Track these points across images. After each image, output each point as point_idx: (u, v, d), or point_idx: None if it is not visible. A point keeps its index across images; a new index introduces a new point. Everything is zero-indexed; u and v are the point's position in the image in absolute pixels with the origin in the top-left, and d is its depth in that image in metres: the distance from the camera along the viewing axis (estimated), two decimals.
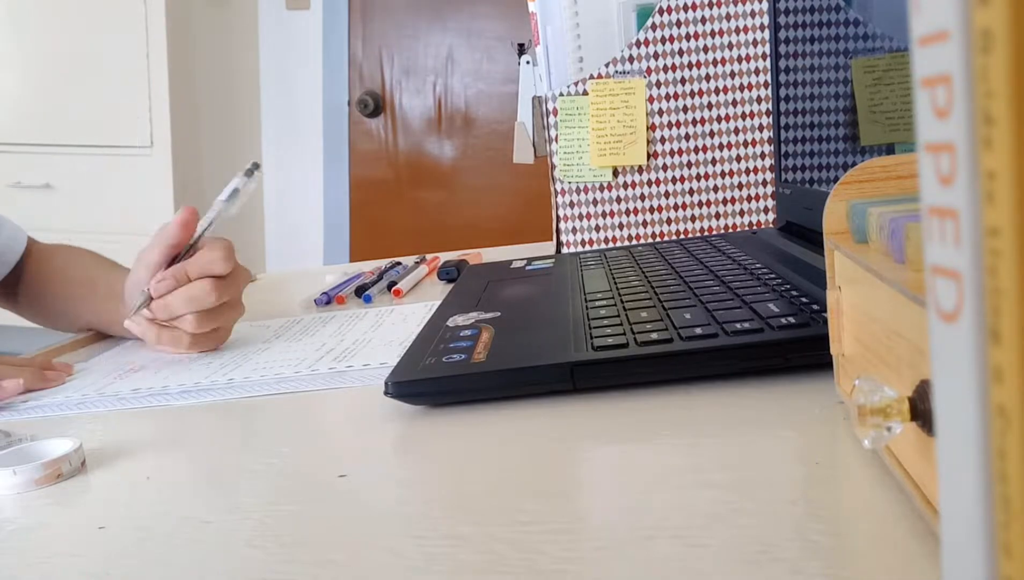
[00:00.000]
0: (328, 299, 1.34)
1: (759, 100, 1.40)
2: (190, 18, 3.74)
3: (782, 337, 0.71)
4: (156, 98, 3.56)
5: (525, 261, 1.32)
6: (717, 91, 1.41)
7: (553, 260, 1.30)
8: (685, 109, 1.42)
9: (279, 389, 0.87)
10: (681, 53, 1.41)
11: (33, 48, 3.67)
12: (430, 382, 0.75)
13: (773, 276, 0.92)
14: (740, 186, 1.42)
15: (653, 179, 1.43)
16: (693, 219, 1.44)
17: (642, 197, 1.44)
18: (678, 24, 1.41)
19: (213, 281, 1.03)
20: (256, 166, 1.16)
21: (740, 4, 1.39)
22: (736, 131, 1.41)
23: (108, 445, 0.75)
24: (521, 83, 1.61)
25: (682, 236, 1.44)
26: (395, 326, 1.10)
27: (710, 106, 1.41)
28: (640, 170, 1.43)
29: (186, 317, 1.04)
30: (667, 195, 1.43)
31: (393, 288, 1.35)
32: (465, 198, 4.22)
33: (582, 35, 1.46)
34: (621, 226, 1.45)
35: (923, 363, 0.40)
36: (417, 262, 1.57)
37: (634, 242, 1.44)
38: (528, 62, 1.59)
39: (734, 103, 1.41)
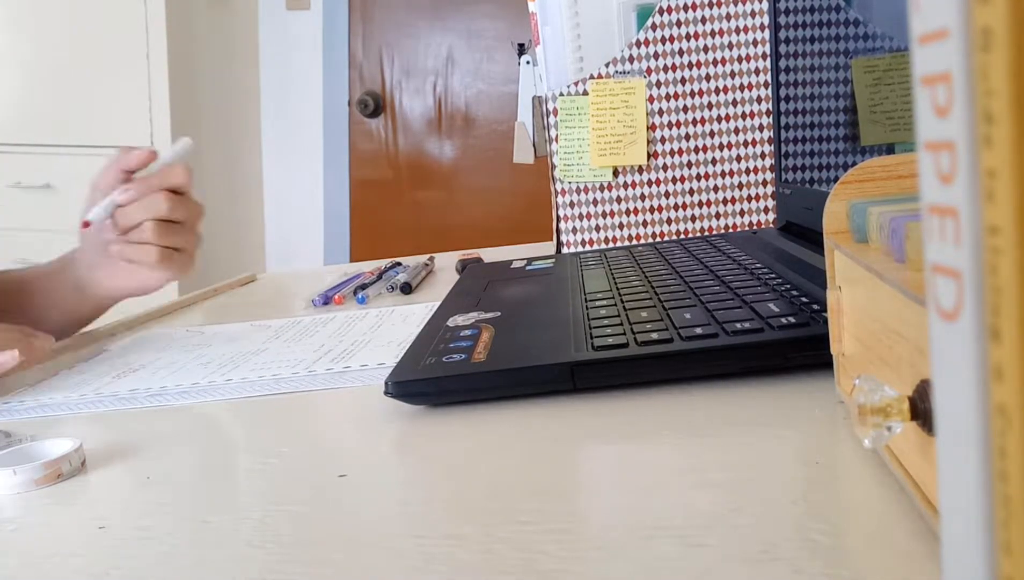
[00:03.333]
0: (326, 300, 1.33)
1: (759, 100, 1.40)
2: (190, 19, 3.75)
3: (782, 337, 0.71)
4: (156, 98, 3.57)
5: (525, 261, 1.32)
6: (717, 91, 1.41)
7: (553, 260, 1.30)
8: (685, 109, 1.42)
9: (277, 389, 0.87)
10: (681, 53, 1.41)
11: (33, 49, 3.67)
12: (430, 382, 0.74)
13: (773, 276, 0.92)
14: (740, 186, 1.42)
15: (653, 179, 1.43)
16: (693, 219, 1.44)
17: (642, 197, 1.44)
18: (678, 24, 1.41)
19: (170, 194, 1.07)
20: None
21: (740, 4, 1.39)
22: (736, 131, 1.41)
23: (108, 445, 0.75)
24: (521, 83, 1.62)
25: (682, 236, 1.44)
26: (395, 327, 1.10)
27: (710, 106, 1.41)
28: (640, 170, 1.43)
29: (146, 225, 1.07)
30: (667, 195, 1.43)
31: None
32: (465, 198, 4.22)
33: (582, 35, 1.46)
34: (621, 226, 1.45)
35: (923, 362, 0.40)
36: (426, 263, 1.57)
37: (634, 242, 1.44)
38: (528, 62, 1.59)
39: (734, 103, 1.41)
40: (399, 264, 1.60)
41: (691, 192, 1.43)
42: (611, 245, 1.45)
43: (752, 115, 1.41)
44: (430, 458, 0.65)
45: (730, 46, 1.41)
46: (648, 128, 1.42)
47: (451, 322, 0.93)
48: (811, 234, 1.02)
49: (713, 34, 1.41)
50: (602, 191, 1.45)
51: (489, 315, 0.94)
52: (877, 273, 0.46)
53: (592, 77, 1.43)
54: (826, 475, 0.53)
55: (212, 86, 3.95)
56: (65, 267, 1.29)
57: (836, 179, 0.59)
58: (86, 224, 1.14)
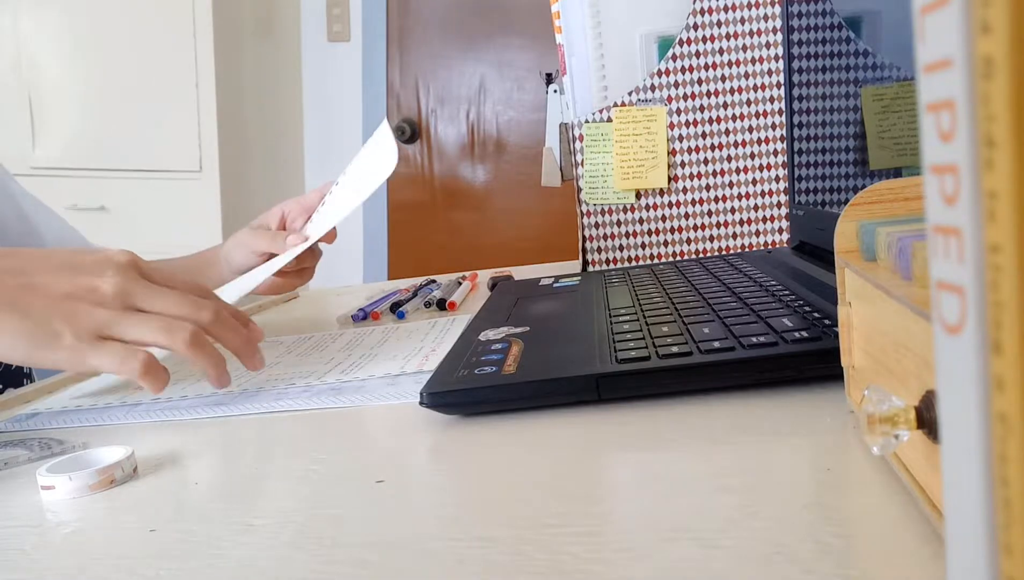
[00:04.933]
0: (364, 315, 1.34)
1: (774, 126, 1.40)
2: (237, 50, 3.76)
3: (796, 350, 0.71)
4: (205, 125, 3.58)
5: (553, 279, 1.32)
6: (734, 118, 1.41)
7: (579, 278, 1.30)
8: (704, 135, 1.42)
9: (309, 405, 0.87)
10: (700, 82, 1.41)
11: (89, 79, 3.69)
12: (463, 393, 0.75)
13: (787, 292, 0.91)
14: (756, 208, 1.42)
15: (674, 201, 1.43)
16: (712, 239, 1.43)
17: (663, 218, 1.44)
18: (697, 55, 1.41)
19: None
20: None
21: (756, 36, 1.39)
22: (752, 156, 1.41)
23: (157, 453, 0.75)
24: (549, 111, 1.62)
25: (701, 255, 1.44)
26: (400, 342, 1.09)
27: (727, 132, 1.41)
28: (661, 193, 1.43)
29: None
30: (687, 216, 1.43)
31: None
32: (497, 219, 4.22)
33: (606, 65, 1.46)
34: (644, 246, 1.45)
35: (929, 374, 0.40)
36: (459, 281, 1.57)
37: (656, 261, 1.44)
38: (556, 91, 1.60)
39: (750, 129, 1.41)
40: (434, 281, 1.61)
41: (709, 213, 1.43)
42: (634, 264, 1.45)
43: (767, 141, 1.41)
44: (462, 465, 0.65)
45: (746, 76, 1.41)
46: (669, 153, 1.42)
47: (483, 336, 0.93)
48: (823, 253, 1.02)
49: (730, 64, 1.41)
50: (625, 213, 1.45)
51: (518, 330, 0.94)
52: (885, 290, 0.46)
53: (616, 105, 1.44)
54: (837, 481, 0.53)
55: (257, 114, 3.96)
56: (205, 260, 1.36)
57: (846, 201, 0.58)
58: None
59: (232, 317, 0.88)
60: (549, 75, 1.64)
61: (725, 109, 1.42)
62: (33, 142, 3.78)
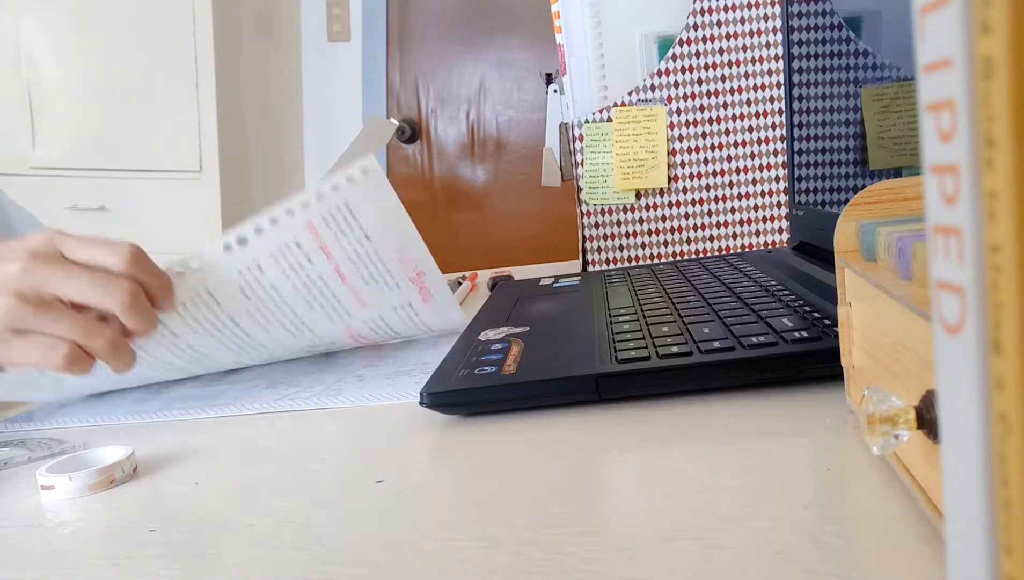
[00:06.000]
0: None
1: (774, 126, 1.40)
2: (237, 49, 3.76)
3: (796, 350, 0.71)
4: (205, 125, 3.58)
5: (553, 279, 1.32)
6: (734, 118, 1.41)
7: (579, 278, 1.30)
8: (704, 135, 1.42)
9: (290, 404, 0.87)
10: (700, 82, 1.41)
11: (89, 79, 3.69)
12: (463, 393, 0.74)
13: (787, 292, 0.91)
14: (756, 208, 1.42)
15: (674, 201, 1.43)
16: (712, 239, 1.43)
17: (663, 218, 1.44)
18: (697, 55, 1.41)
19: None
20: None
21: (756, 36, 1.39)
22: (752, 156, 1.41)
23: (157, 453, 0.75)
24: (549, 111, 1.62)
25: (701, 255, 1.44)
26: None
27: (727, 132, 1.41)
28: (661, 193, 1.43)
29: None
30: (687, 216, 1.43)
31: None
32: (497, 219, 4.22)
33: (606, 65, 1.46)
34: (644, 246, 1.45)
35: (929, 374, 0.40)
36: (459, 281, 1.57)
37: (656, 261, 1.44)
38: (556, 91, 1.59)
39: (750, 129, 1.41)
40: None
41: (709, 213, 1.43)
42: (634, 264, 1.45)
43: (767, 141, 1.41)
44: (462, 465, 0.65)
45: (746, 75, 1.41)
46: (669, 153, 1.42)
47: (483, 336, 0.93)
48: (823, 253, 1.02)
49: (730, 64, 1.41)
50: (625, 213, 1.45)
51: (518, 330, 0.94)
52: (885, 290, 0.46)
53: (616, 105, 1.44)
54: (837, 481, 0.53)
55: (257, 113, 3.96)
56: None
57: (846, 201, 0.58)
58: None
59: (147, 291, 0.84)
60: (549, 75, 1.64)
61: (725, 109, 1.42)
62: (33, 142, 3.78)
